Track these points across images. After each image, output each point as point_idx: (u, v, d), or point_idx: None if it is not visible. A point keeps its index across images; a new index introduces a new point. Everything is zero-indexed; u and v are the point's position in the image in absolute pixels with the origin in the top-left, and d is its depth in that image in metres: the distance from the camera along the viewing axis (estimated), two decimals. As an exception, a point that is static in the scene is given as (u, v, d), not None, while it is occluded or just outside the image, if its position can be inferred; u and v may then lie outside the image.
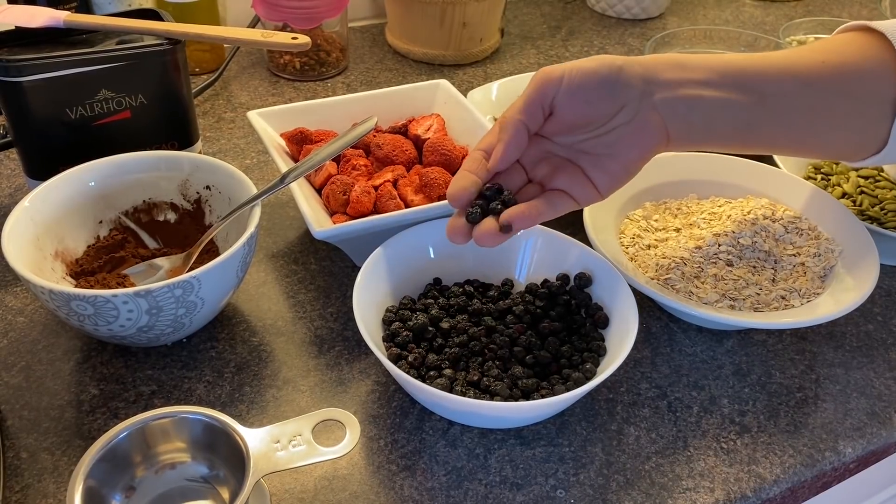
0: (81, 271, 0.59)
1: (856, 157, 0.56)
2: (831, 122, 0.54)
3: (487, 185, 0.51)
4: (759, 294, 0.60)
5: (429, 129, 0.70)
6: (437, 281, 0.61)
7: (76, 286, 0.58)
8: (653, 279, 0.61)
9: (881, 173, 0.74)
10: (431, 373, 0.53)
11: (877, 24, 0.53)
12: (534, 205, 0.51)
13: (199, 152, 0.71)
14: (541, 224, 0.61)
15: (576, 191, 0.52)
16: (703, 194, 0.70)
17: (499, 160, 0.51)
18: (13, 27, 0.63)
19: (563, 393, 0.50)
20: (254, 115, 0.68)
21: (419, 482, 0.50)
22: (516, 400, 0.51)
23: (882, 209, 0.70)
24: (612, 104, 0.51)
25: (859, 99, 0.53)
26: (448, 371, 0.52)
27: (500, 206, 0.50)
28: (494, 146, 0.52)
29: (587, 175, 0.52)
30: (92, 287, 0.58)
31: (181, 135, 0.68)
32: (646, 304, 0.63)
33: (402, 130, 0.70)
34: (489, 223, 0.50)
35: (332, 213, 0.63)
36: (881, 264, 0.61)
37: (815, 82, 0.52)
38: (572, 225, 0.66)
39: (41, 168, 0.63)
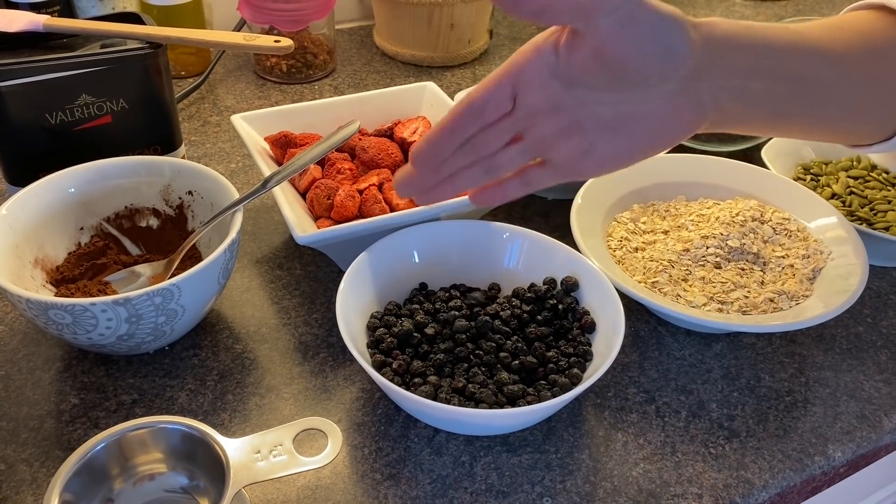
0: (62, 279, 0.58)
1: (864, 142, 0.53)
2: (859, 112, 0.50)
3: None
4: (747, 297, 0.59)
5: (415, 132, 0.69)
6: (422, 286, 0.60)
7: (56, 294, 0.57)
8: (640, 282, 0.61)
9: (870, 173, 0.74)
10: (416, 380, 0.52)
11: None
12: (506, 185, 0.46)
13: (183, 157, 0.70)
14: (528, 227, 0.60)
15: (570, 164, 0.45)
16: (692, 196, 0.70)
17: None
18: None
19: (549, 399, 0.50)
20: (237, 119, 0.67)
21: (404, 491, 0.50)
22: (502, 406, 0.51)
23: (872, 210, 0.70)
24: (657, 66, 0.41)
25: (886, 87, 0.49)
26: (433, 378, 0.52)
27: None
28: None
29: (590, 147, 0.44)
30: (73, 295, 0.57)
31: (164, 139, 0.67)
32: (634, 307, 0.63)
33: (388, 133, 0.70)
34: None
35: (316, 218, 0.62)
36: (870, 265, 0.61)
37: (851, 71, 0.48)
38: (560, 228, 0.66)
39: (21, 174, 0.62)
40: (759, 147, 0.76)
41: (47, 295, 0.56)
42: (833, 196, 0.72)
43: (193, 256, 0.61)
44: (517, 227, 0.60)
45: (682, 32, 0.41)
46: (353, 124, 0.63)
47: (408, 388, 0.51)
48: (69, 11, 0.81)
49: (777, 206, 0.68)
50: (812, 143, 0.78)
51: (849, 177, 0.73)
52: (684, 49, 0.41)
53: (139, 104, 0.64)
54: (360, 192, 0.62)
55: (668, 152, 0.74)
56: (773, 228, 0.65)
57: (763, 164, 0.72)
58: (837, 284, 0.59)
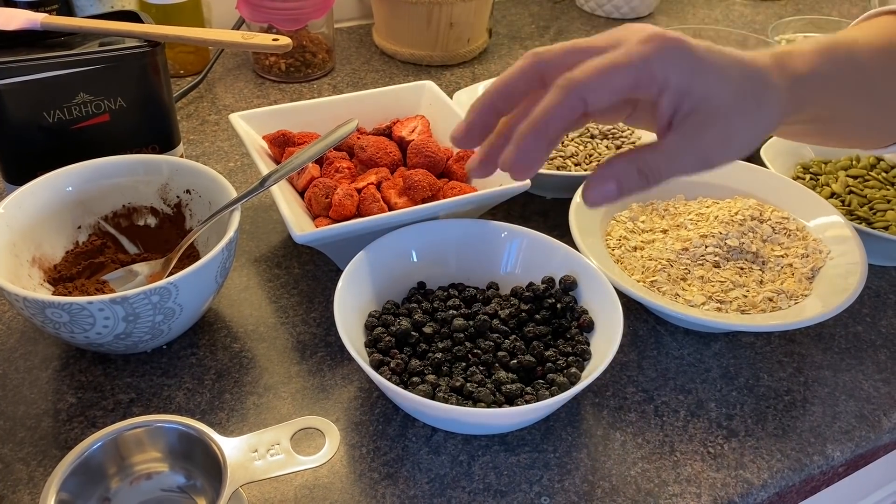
0: (60, 277, 0.58)
1: (879, 146, 0.53)
2: (880, 124, 0.50)
3: None
4: (746, 296, 0.59)
5: (413, 131, 0.69)
6: (421, 285, 0.60)
7: (54, 293, 0.57)
8: (639, 281, 0.60)
9: (870, 172, 0.74)
10: (414, 379, 0.52)
11: None
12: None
13: (181, 156, 0.70)
14: (527, 226, 0.60)
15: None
16: (691, 195, 0.70)
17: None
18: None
19: (547, 398, 0.50)
20: (236, 118, 0.67)
21: (401, 490, 0.49)
22: (500, 405, 0.51)
23: (871, 209, 0.70)
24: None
25: None
26: (431, 377, 0.52)
27: None
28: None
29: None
30: (70, 293, 0.57)
31: (162, 138, 0.67)
32: (632, 306, 0.63)
33: (387, 132, 0.70)
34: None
35: (314, 217, 0.62)
36: (869, 264, 0.61)
37: (881, 99, 0.47)
38: (558, 227, 0.66)
39: (19, 173, 0.62)
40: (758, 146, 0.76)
41: (45, 294, 0.56)
42: (832, 195, 0.72)
43: (191, 255, 0.61)
44: (516, 226, 0.60)
45: (779, 108, 0.41)
46: (351, 123, 0.63)
47: (406, 388, 0.51)
48: (67, 10, 0.81)
49: (776, 205, 0.68)
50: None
51: (848, 176, 0.73)
52: (765, 113, 0.41)
53: (137, 103, 0.64)
54: (359, 190, 0.62)
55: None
56: (773, 227, 0.65)
57: (762, 163, 0.72)
58: (836, 284, 0.59)
